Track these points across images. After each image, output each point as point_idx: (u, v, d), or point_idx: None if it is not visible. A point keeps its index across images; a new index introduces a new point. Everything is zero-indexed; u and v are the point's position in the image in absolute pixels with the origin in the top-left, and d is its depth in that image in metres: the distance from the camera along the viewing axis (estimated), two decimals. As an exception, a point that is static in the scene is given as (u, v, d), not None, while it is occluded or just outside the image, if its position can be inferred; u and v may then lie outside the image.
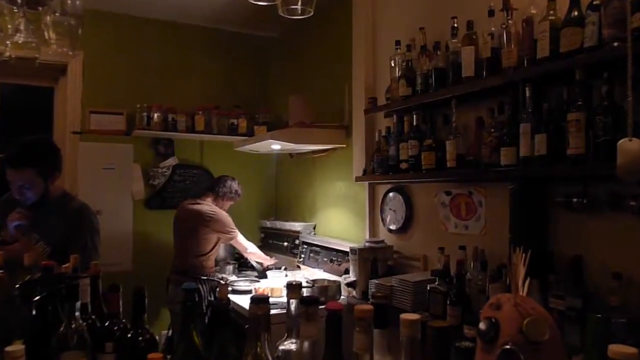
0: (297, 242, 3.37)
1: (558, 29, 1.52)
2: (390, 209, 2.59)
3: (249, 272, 3.33)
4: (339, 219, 3.14)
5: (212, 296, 2.76)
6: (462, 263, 1.85)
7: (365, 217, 2.77)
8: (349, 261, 2.49)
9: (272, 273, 2.85)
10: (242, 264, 3.45)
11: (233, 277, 3.09)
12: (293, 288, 0.99)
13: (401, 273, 2.26)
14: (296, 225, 3.43)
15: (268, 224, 3.81)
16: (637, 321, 1.29)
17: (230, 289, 2.73)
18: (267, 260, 3.07)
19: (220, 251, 3.20)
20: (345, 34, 2.83)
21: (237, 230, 2.94)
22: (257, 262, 3.15)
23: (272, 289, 2.61)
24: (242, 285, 2.85)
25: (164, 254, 3.28)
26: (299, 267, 3.19)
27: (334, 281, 2.59)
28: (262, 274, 3.09)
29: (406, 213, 2.46)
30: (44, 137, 1.96)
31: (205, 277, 2.89)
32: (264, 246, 3.60)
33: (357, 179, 2.64)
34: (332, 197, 3.24)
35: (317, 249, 3.08)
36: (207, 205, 2.93)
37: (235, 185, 3.08)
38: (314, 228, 3.40)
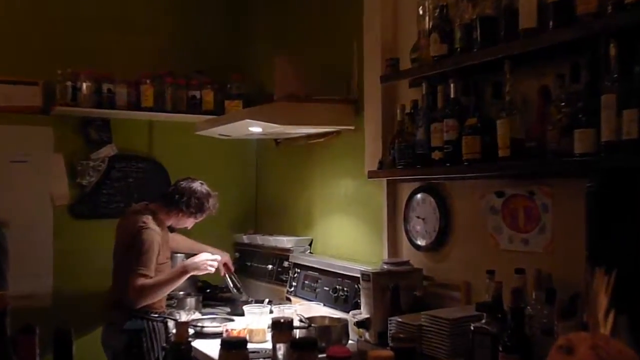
0: (286, 264, 3.41)
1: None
2: (418, 217, 2.60)
3: (218, 309, 3.39)
4: (346, 232, 3.16)
5: (167, 341, 2.79)
6: (520, 292, 1.80)
7: (382, 229, 2.80)
8: (359, 291, 2.51)
9: (250, 309, 2.82)
10: (208, 296, 3.49)
11: (195, 315, 3.11)
12: (281, 328, 1.18)
13: (433, 307, 2.27)
14: (285, 241, 3.45)
15: (245, 239, 3.85)
16: None
17: (191, 331, 2.74)
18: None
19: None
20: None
21: (150, 271, 2.83)
22: (234, 286, 3.28)
23: (251, 331, 2.63)
24: (209, 325, 2.87)
25: (96, 282, 3.28)
26: (288, 299, 3.21)
27: (339, 319, 2.61)
28: (235, 305, 3.16)
29: (440, 223, 2.47)
30: None
31: (155, 315, 2.91)
32: (240, 271, 3.60)
33: (371, 175, 2.66)
34: (335, 201, 3.25)
35: (315, 273, 3.10)
36: (144, 216, 2.95)
37: (204, 193, 3.05)
38: (310, 244, 3.44)
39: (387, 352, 0.83)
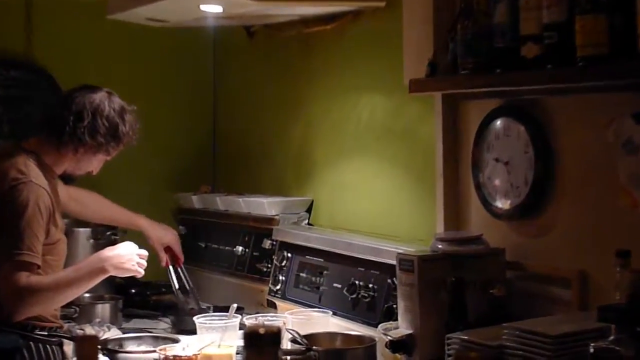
0: (267, 244, 3.51)
1: None
2: (497, 161, 2.63)
3: (151, 322, 3.48)
4: (371, 189, 3.25)
5: None
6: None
7: (435, 183, 2.84)
8: (394, 290, 2.60)
9: (205, 322, 2.90)
10: (133, 301, 3.58)
11: (112, 332, 3.15)
12: (260, 346, 1.20)
13: (523, 315, 2.32)
14: (265, 205, 3.56)
15: (195, 202, 4.02)
16: None
17: (105, 347, 2.79)
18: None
19: None
20: None
21: (37, 255, 2.85)
22: (180, 285, 3.41)
23: (207, 358, 2.69)
24: (134, 350, 2.94)
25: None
26: (271, 305, 3.36)
27: (359, 338, 2.68)
28: (180, 316, 3.29)
29: (536, 170, 2.51)
30: None
31: (43, 332, 2.92)
32: (187, 257, 3.64)
33: (415, 87, 2.70)
34: (351, 134, 3.35)
35: (318, 260, 3.19)
36: (18, 162, 2.95)
37: (115, 109, 3.06)
38: (310, 210, 3.54)
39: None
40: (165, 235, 3.38)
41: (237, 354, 2.70)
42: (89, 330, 3.11)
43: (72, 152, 3.02)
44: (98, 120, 2.99)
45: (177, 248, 3.42)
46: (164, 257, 3.36)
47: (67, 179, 3.16)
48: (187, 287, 3.41)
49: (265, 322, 2.81)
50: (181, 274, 3.42)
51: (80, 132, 2.97)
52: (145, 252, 3.07)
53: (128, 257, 2.99)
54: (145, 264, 3.05)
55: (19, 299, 2.81)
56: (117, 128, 3.03)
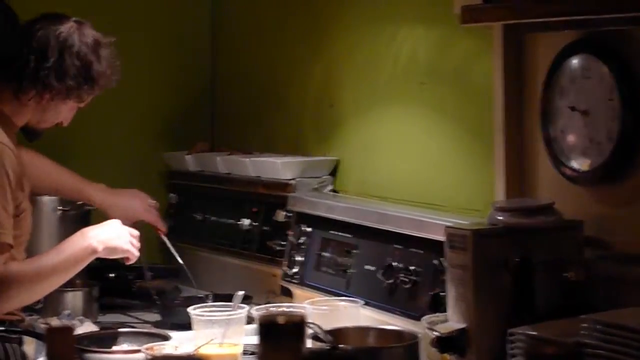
0: (280, 216, 3.56)
1: None
2: (573, 109, 2.64)
3: (133, 315, 3.54)
4: (413, 146, 3.29)
5: None
6: None
7: (493, 137, 2.89)
8: (442, 273, 2.64)
9: (203, 314, 2.92)
10: (112, 288, 3.66)
11: (85, 326, 3.21)
12: (278, 339, 1.24)
13: (606, 305, 2.31)
14: (279, 167, 3.62)
15: (189, 162, 4.11)
16: None
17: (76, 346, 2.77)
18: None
19: (44, 246, 3.31)
20: None
21: (7, 232, 2.94)
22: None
23: (206, 358, 2.69)
24: (114, 350, 2.98)
25: None
26: (286, 293, 3.42)
27: (399, 334, 2.71)
28: (170, 307, 3.36)
29: (623, 121, 2.51)
30: None
31: (0, 328, 2.98)
32: (177, 232, 3.78)
33: (469, 17, 2.75)
34: (386, 77, 3.38)
35: (345, 236, 3.24)
36: None
37: (87, 43, 3.10)
38: (334, 174, 3.59)
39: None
40: (131, 206, 3.40)
41: (245, 353, 2.75)
42: (56, 324, 3.12)
43: (36, 100, 3.04)
44: (66, 59, 3.01)
45: (152, 218, 3.47)
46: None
47: (31, 133, 3.19)
48: (178, 261, 3.49)
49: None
50: (168, 246, 3.49)
51: (44, 75, 2.99)
52: (136, 232, 3.14)
53: (119, 233, 3.05)
54: (138, 244, 3.11)
55: None
56: (90, 67, 3.05)
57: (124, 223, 3.19)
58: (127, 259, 3.10)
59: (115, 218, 3.19)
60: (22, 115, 3.08)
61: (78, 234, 3.09)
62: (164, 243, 3.49)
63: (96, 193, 3.40)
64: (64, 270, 2.97)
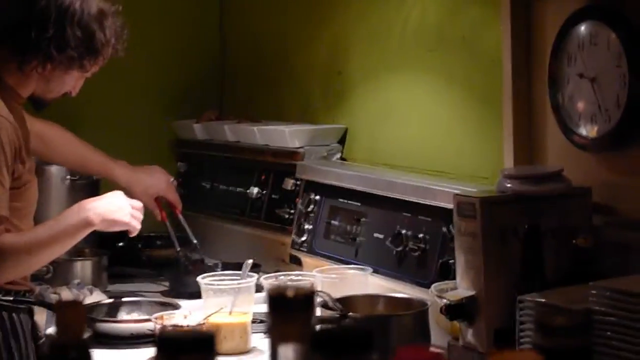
0: (289, 185, 3.61)
1: None
2: (581, 77, 2.64)
3: (142, 284, 3.60)
4: (421, 113, 3.31)
5: (36, 344, 2.91)
6: None
7: (501, 104, 2.88)
8: (451, 241, 2.66)
9: (212, 283, 2.94)
10: (121, 257, 3.68)
11: (95, 296, 3.25)
12: (287, 310, 1.21)
13: (616, 272, 2.32)
14: (287, 134, 3.63)
15: (197, 131, 4.13)
16: None
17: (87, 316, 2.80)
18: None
19: (53, 215, 3.26)
20: None
21: (3, 205, 2.93)
22: (181, 237, 3.54)
23: (216, 328, 2.70)
24: (123, 319, 3.05)
25: None
26: (296, 261, 3.44)
27: (408, 301, 2.75)
28: (180, 275, 3.38)
29: (631, 87, 2.51)
30: None
31: (8, 298, 2.96)
32: (187, 202, 3.76)
33: None
34: (395, 44, 3.38)
35: (354, 204, 3.26)
36: None
37: (90, 12, 3.06)
38: (342, 142, 3.61)
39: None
40: (153, 184, 3.43)
41: (254, 322, 2.77)
42: (66, 294, 3.16)
43: (38, 71, 3.03)
44: (67, 29, 3.00)
45: (172, 196, 3.50)
46: (158, 211, 3.42)
47: (38, 103, 3.17)
48: (190, 241, 3.49)
49: (289, 283, 2.82)
50: (183, 224, 3.51)
51: (45, 45, 2.98)
52: (139, 204, 3.14)
53: (119, 205, 3.04)
54: (141, 216, 3.12)
55: None
56: (92, 37, 3.04)
57: (145, 200, 3.28)
58: (129, 232, 3.12)
59: (137, 195, 3.26)
60: (26, 86, 3.07)
61: (76, 205, 3.10)
62: (177, 219, 3.51)
63: (120, 170, 3.42)
64: (59, 242, 2.99)
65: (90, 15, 3.02)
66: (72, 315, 1.47)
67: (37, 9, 2.98)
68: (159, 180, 3.48)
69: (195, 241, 3.52)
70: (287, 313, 1.37)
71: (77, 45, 3.00)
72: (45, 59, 2.99)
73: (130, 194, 3.29)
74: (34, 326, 2.92)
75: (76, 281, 3.32)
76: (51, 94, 3.14)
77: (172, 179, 3.54)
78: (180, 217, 3.52)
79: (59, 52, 2.98)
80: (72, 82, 3.12)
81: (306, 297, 1.38)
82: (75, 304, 1.54)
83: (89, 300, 3.12)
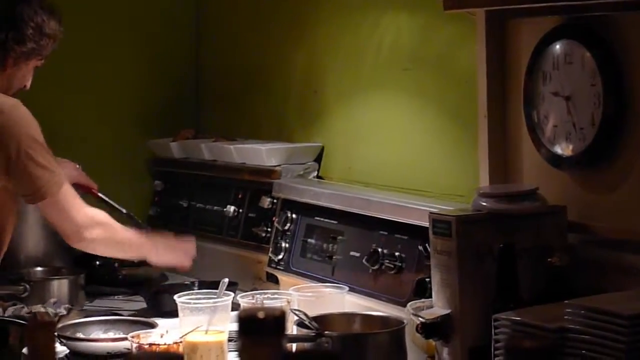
0: (266, 203, 3.60)
1: None
2: (556, 95, 2.65)
3: (118, 298, 3.59)
4: (395, 132, 3.31)
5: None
6: None
7: (477, 123, 2.88)
8: (427, 259, 2.65)
9: (187, 301, 2.94)
10: (96, 276, 3.65)
11: (73, 315, 3.19)
12: (260, 333, 1.21)
13: (590, 290, 2.33)
14: (264, 153, 3.64)
15: (174, 150, 4.13)
16: None
17: (61, 348, 2.83)
18: (155, 253, 3.30)
19: (30, 234, 3.35)
20: None
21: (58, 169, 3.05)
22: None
23: (192, 347, 2.71)
24: (98, 337, 3.01)
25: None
26: (272, 279, 3.44)
27: (383, 319, 2.74)
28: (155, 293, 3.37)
29: (606, 106, 2.52)
30: None
31: None
32: (161, 218, 3.93)
33: (451, 1, 2.75)
34: (370, 63, 3.39)
35: (331, 222, 3.26)
36: None
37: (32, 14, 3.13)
38: (319, 160, 3.62)
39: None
40: (67, 175, 3.32)
41: (230, 341, 2.74)
42: (40, 314, 3.09)
43: (1, 68, 3.12)
44: (22, 26, 3.10)
45: (84, 179, 3.50)
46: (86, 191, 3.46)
47: None
48: (122, 211, 3.53)
49: (265, 302, 2.82)
50: (108, 200, 3.53)
51: (17, 38, 3.09)
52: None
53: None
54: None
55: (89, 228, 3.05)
56: (40, 27, 3.13)
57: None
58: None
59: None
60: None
61: (150, 244, 3.27)
62: (102, 200, 3.51)
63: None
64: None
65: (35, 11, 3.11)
66: (42, 337, 1.47)
67: None
68: (70, 170, 3.44)
69: (125, 211, 3.52)
70: (257, 336, 1.37)
71: (29, 36, 3.09)
72: (5, 55, 3.09)
73: None
74: (8, 346, 2.87)
75: (53, 300, 3.30)
76: (11, 91, 3.19)
77: (77, 165, 3.53)
78: (101, 194, 3.53)
79: (18, 44, 3.09)
80: (28, 75, 3.19)
81: (276, 319, 1.37)
82: (46, 324, 1.54)
83: (66, 319, 3.10)
